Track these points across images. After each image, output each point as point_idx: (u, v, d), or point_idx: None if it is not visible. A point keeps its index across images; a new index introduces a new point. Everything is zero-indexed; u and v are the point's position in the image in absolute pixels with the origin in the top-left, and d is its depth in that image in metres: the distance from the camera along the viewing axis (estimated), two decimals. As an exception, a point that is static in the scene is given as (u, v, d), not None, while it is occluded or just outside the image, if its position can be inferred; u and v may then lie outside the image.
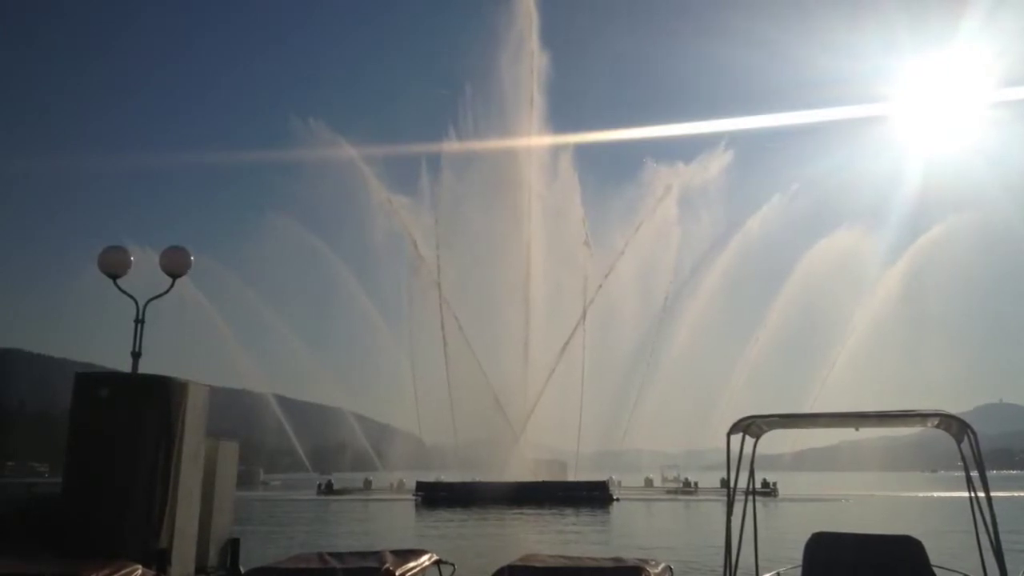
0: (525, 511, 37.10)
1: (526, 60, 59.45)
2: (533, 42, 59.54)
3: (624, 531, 30.12)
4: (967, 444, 6.48)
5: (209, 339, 59.55)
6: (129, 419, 8.72)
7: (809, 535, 7.20)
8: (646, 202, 61.97)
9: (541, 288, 58.07)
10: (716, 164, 64.31)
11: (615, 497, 46.03)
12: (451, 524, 31.90)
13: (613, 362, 62.29)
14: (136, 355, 9.56)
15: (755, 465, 7.47)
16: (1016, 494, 50.63)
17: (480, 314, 57.87)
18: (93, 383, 8.87)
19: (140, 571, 5.84)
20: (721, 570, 6.55)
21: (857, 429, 7.68)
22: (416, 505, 44.59)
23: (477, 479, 47.55)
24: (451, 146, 62.19)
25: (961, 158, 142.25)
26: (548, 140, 60.71)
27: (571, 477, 51.30)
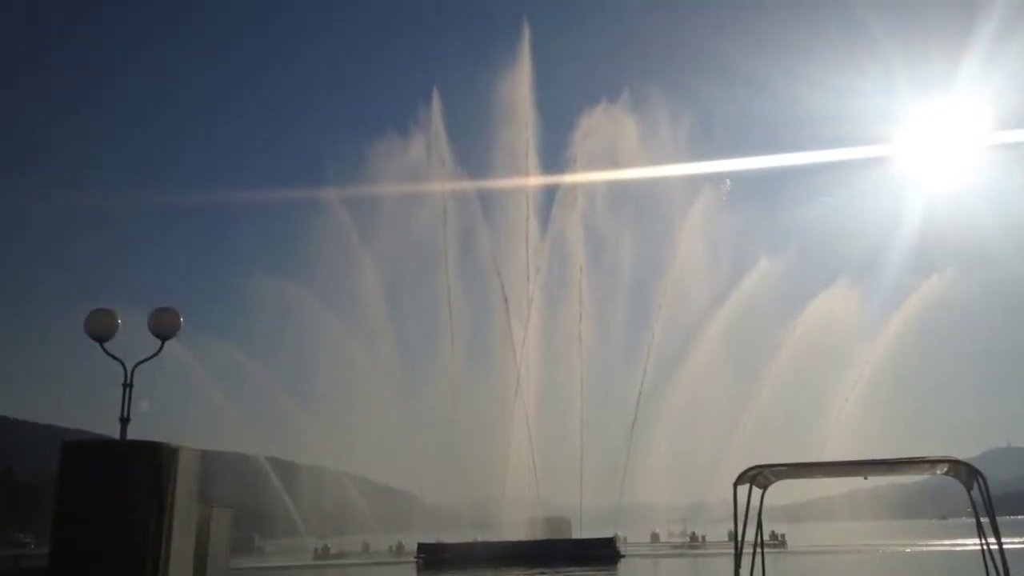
0: (532, 572, 36.27)
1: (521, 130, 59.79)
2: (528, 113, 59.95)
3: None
4: (977, 490, 6.34)
5: (200, 401, 58.82)
6: (118, 487, 8.52)
7: None
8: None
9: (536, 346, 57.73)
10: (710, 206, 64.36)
11: (622, 554, 45.18)
12: (455, 587, 31.12)
13: (613, 417, 61.72)
14: (124, 421, 9.38)
15: (763, 516, 7.29)
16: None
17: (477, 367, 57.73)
18: (81, 450, 8.69)
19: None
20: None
21: (866, 477, 7.53)
22: (418, 568, 43.52)
23: (480, 539, 46.56)
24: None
25: (961, 199, 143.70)
26: (541, 180, 60.40)
27: (576, 534, 50.34)
